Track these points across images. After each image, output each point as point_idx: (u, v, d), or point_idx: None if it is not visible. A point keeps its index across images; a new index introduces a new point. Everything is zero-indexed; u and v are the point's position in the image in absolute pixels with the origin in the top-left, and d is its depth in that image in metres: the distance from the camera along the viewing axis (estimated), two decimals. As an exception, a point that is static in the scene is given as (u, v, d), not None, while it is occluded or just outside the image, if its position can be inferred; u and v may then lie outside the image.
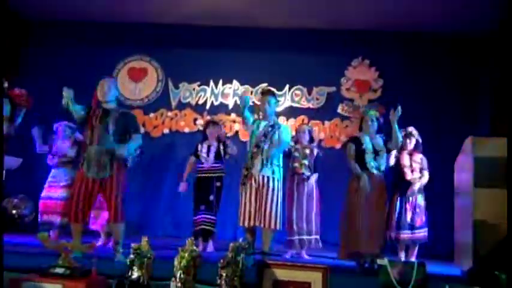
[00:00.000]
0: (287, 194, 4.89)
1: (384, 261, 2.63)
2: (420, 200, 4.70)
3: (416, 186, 4.66)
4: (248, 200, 3.86)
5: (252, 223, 3.84)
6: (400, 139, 4.19)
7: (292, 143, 5.07)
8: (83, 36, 7.04)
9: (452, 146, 4.96)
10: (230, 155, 5.13)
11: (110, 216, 3.81)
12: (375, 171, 4.04)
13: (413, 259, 4.50)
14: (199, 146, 5.16)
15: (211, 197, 4.95)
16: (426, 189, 4.76)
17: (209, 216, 4.93)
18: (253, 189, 3.87)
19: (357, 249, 3.90)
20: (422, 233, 4.66)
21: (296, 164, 4.88)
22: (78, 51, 7.00)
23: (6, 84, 4.36)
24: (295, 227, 4.77)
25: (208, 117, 6.74)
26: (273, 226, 3.85)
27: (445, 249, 4.94)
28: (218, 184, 5.02)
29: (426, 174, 4.73)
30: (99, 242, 4.79)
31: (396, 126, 4.07)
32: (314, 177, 4.86)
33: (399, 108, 4.02)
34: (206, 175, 5.04)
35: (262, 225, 3.86)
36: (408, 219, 4.59)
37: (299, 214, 4.79)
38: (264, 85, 6.62)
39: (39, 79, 6.90)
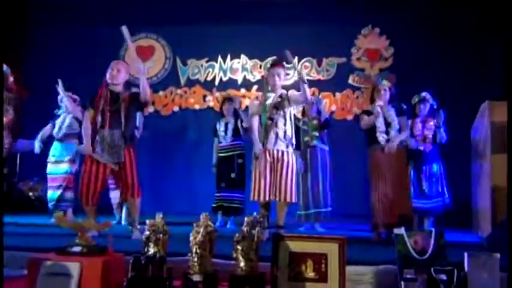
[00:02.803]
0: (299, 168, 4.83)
1: (400, 230, 2.59)
2: (436, 168, 4.63)
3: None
4: (263, 175, 3.82)
5: (267, 197, 3.82)
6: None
7: (299, 116, 4.95)
8: (87, 15, 6.98)
9: (466, 112, 4.87)
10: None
11: (127, 193, 3.80)
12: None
13: (427, 228, 4.47)
14: (218, 125, 5.09)
15: (233, 175, 4.91)
16: (443, 156, 4.67)
17: (235, 195, 4.89)
18: (268, 164, 3.83)
19: (376, 220, 3.87)
20: (439, 202, 4.61)
21: (307, 138, 4.82)
22: (83, 32, 6.95)
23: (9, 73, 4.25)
24: (310, 200, 4.75)
25: (217, 94, 6.70)
26: (288, 199, 3.83)
27: (463, 217, 4.90)
28: (240, 161, 4.96)
29: (442, 133, 4.65)
30: (114, 221, 4.83)
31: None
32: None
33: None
34: (227, 154, 4.98)
35: (277, 198, 3.83)
36: (424, 188, 4.55)
37: (314, 187, 4.77)
38: (273, 58, 6.53)
39: (45, 60, 6.90)
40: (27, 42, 7.14)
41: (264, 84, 4.17)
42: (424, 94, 4.69)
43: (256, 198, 3.84)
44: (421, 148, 4.58)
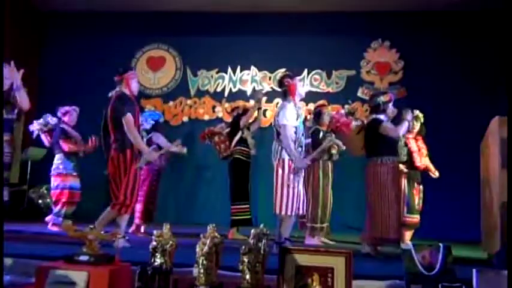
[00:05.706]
0: (321, 180, 4.69)
1: (408, 245, 2.57)
2: (421, 185, 4.69)
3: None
4: (291, 188, 3.64)
5: (298, 211, 3.74)
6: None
7: (323, 128, 4.82)
8: (100, 26, 7.08)
9: (475, 126, 4.84)
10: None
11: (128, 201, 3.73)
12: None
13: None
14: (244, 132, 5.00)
15: (249, 186, 4.93)
16: (452, 171, 4.66)
17: (246, 206, 4.90)
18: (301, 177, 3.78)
19: (377, 235, 3.83)
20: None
21: (333, 151, 4.68)
22: (96, 42, 7.05)
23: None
24: (328, 214, 4.71)
25: (227, 105, 6.73)
26: (301, 211, 3.80)
27: (472, 233, 4.85)
28: (250, 172, 4.99)
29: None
30: (130, 230, 4.78)
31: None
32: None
33: None
34: (249, 160, 4.95)
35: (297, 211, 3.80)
36: (416, 203, 4.59)
37: (325, 201, 4.72)
38: (283, 70, 6.56)
39: (57, 71, 7.00)
40: (43, 52, 7.26)
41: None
42: (416, 112, 4.68)
43: (290, 212, 3.66)
44: (418, 165, 4.60)
